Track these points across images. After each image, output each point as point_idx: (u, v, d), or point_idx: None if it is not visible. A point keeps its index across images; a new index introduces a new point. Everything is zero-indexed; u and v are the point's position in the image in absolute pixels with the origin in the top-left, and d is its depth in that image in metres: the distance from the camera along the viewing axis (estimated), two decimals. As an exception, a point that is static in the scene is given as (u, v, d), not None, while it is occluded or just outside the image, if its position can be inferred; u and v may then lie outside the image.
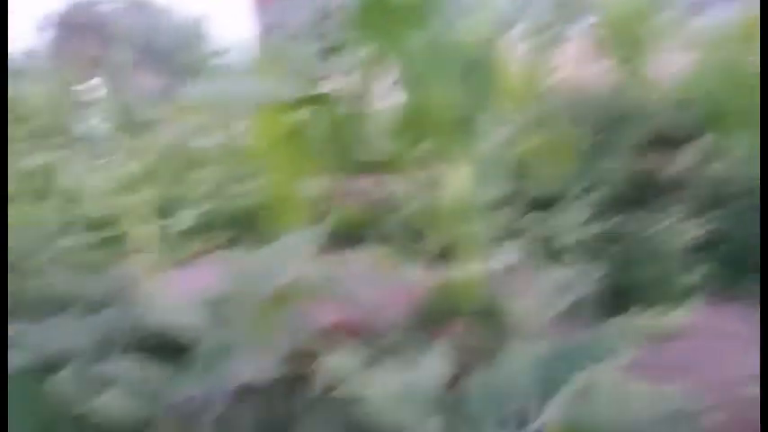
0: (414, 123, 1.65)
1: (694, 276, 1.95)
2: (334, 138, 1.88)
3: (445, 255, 2.05)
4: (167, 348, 1.96)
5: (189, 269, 3.16)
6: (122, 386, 1.39)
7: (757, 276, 2.10)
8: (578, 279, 1.55)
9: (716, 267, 2.09)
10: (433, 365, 1.10)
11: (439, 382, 1.08)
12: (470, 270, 1.58)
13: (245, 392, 1.44)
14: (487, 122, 1.68)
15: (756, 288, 2.02)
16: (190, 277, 3.01)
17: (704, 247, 2.19)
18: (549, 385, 1.03)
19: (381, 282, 1.73)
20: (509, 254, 1.74)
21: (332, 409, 1.51)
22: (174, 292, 1.89)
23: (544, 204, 2.55)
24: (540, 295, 1.49)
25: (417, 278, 1.76)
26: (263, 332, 1.54)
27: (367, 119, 1.95)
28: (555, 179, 2.48)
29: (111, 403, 1.33)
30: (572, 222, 2.07)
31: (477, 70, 1.64)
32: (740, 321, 1.81)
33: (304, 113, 1.88)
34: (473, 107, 1.64)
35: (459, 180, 1.63)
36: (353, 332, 1.61)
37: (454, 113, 1.63)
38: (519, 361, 1.06)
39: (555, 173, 2.58)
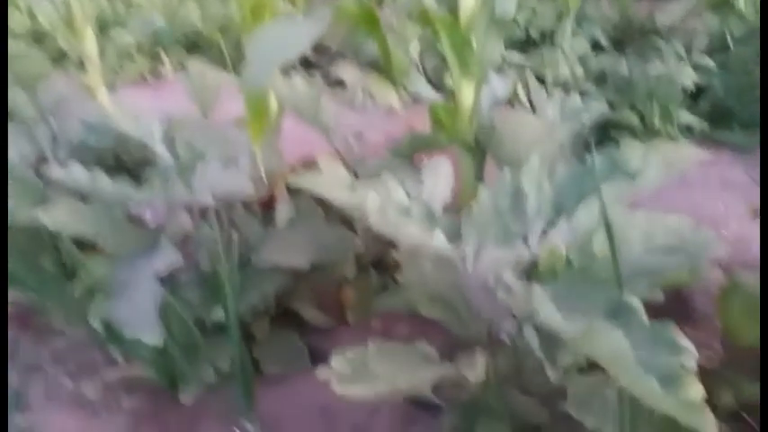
0: None
1: (689, 119, 1.88)
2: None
3: (437, 81, 1.90)
4: (124, 165, 1.79)
5: (142, 87, 2.91)
6: (73, 195, 1.25)
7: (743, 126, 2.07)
8: (576, 111, 1.44)
9: (705, 115, 2.03)
10: (436, 182, 0.99)
11: (442, 198, 0.98)
12: (464, 96, 1.43)
13: (213, 212, 1.32)
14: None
15: (743, 138, 1.99)
16: (144, 95, 2.78)
17: (695, 95, 2.12)
18: (550, 212, 0.95)
19: (367, 106, 1.58)
20: (502, 83, 1.60)
21: (304, 232, 1.42)
22: (130, 108, 1.68)
23: (540, 40, 2.42)
24: (535, 125, 1.37)
25: (406, 104, 1.62)
26: (231, 150, 1.39)
27: None
28: (552, 18, 2.30)
29: (59, 213, 1.19)
30: (568, 57, 1.93)
31: None
32: (728, 167, 1.78)
33: None
34: None
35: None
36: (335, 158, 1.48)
37: None
38: (519, 187, 0.95)
39: (552, 12, 2.39)
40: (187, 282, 1.37)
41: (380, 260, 1.62)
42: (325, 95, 1.47)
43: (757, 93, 2.05)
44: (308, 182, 0.99)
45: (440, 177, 1.01)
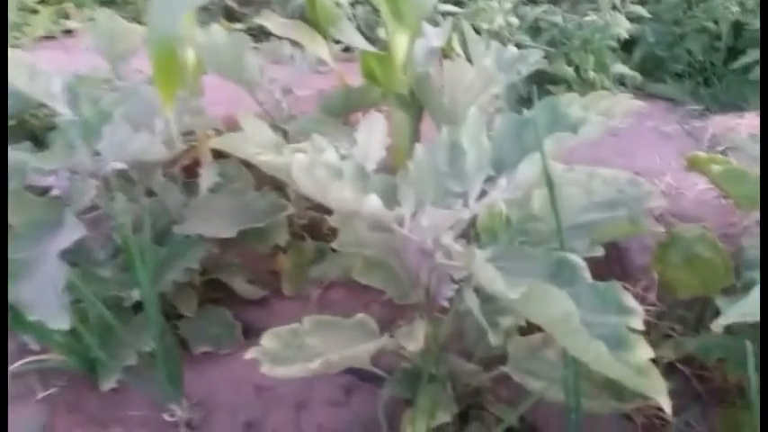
0: None
1: (624, 69, 1.86)
2: None
3: (370, 34, 1.81)
4: (30, 130, 1.63)
5: (51, 46, 2.67)
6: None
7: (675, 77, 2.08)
8: (512, 61, 1.39)
9: (638, 66, 2.03)
10: (369, 140, 0.91)
11: (376, 157, 0.91)
12: (397, 47, 1.35)
13: (122, 177, 1.20)
14: None
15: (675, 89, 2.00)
16: (53, 53, 2.54)
17: (628, 46, 2.11)
18: (490, 169, 0.89)
19: (295, 59, 1.46)
20: (437, 33, 1.52)
21: (230, 198, 1.32)
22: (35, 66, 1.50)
23: None
24: (471, 76, 1.31)
25: (337, 58, 1.51)
26: (144, 110, 1.26)
27: None
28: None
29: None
30: (503, 7, 1.86)
31: None
32: (661, 119, 1.79)
33: None
34: None
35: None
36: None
37: None
38: (457, 143, 0.89)
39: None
40: (103, 258, 1.26)
41: (316, 226, 1.55)
42: (248, 48, 1.35)
43: (687, 43, 2.06)
44: (229, 143, 0.89)
45: (373, 135, 0.94)
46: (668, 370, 1.10)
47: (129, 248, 1.01)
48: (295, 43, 1.50)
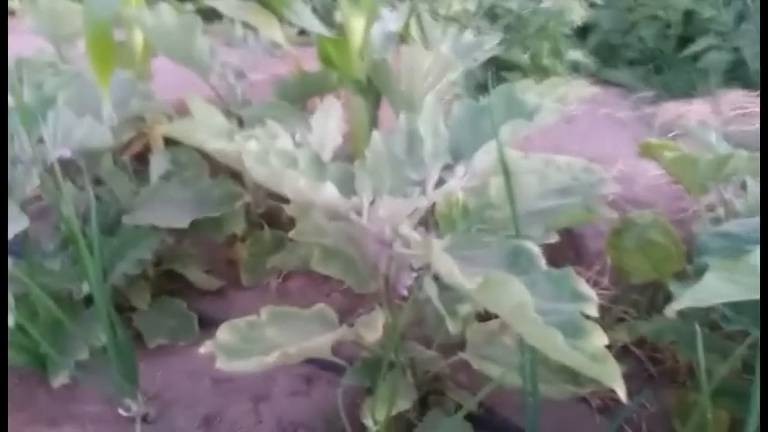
0: None
1: (578, 56, 1.89)
2: None
3: (326, 17, 1.76)
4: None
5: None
6: None
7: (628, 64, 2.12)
8: (470, 46, 1.38)
9: (592, 53, 2.06)
10: (326, 126, 0.89)
11: (332, 144, 0.89)
12: (354, 31, 1.33)
13: (69, 166, 1.15)
14: None
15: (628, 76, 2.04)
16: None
17: (588, 31, 2.14)
18: (447, 157, 0.89)
19: (249, 42, 1.43)
20: (394, 18, 1.50)
21: (183, 187, 1.29)
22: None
23: None
24: (428, 62, 1.30)
25: (293, 42, 1.48)
26: (90, 95, 1.21)
27: None
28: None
29: None
30: (458, -7, 1.85)
31: None
32: (615, 105, 1.82)
33: None
34: None
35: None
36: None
37: None
38: (414, 131, 0.88)
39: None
40: (51, 250, 1.21)
41: (274, 215, 1.52)
42: (199, 30, 1.31)
43: (639, 31, 2.09)
44: (178, 130, 0.86)
45: (330, 121, 0.92)
46: (622, 353, 1.13)
47: (75, 240, 0.97)
48: (248, 26, 1.46)
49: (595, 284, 1.22)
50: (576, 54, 1.88)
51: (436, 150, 0.87)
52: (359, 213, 0.78)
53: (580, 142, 1.55)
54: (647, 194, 1.36)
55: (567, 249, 1.30)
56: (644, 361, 1.14)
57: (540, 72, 1.77)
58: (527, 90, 1.04)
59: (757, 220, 0.89)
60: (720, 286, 0.66)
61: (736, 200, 1.08)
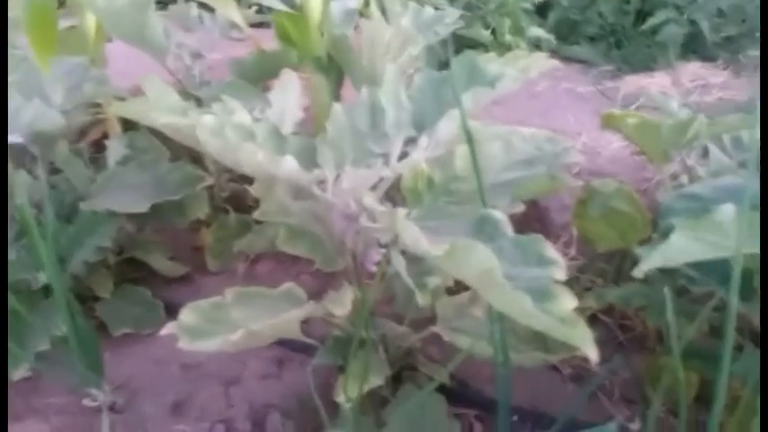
0: None
1: (539, 32, 1.89)
2: None
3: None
4: None
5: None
6: None
7: (588, 40, 2.14)
8: (431, 21, 1.37)
9: (553, 29, 2.07)
10: (285, 100, 0.87)
11: (293, 118, 0.87)
12: (313, 7, 1.30)
13: (22, 152, 1.11)
14: None
15: (589, 52, 2.05)
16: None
17: (549, 7, 2.15)
18: (410, 128, 0.88)
19: (205, 22, 1.39)
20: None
21: (141, 171, 1.25)
22: None
23: None
24: (389, 37, 1.28)
25: (249, 21, 1.44)
26: (39, 78, 1.16)
27: None
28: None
29: None
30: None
31: None
32: (576, 80, 1.83)
33: None
34: None
35: None
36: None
37: None
38: (376, 103, 0.87)
39: None
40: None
41: (239, 198, 1.49)
42: (152, 11, 1.26)
43: (599, 6, 2.11)
44: (131, 109, 0.83)
45: (289, 95, 0.90)
46: (591, 321, 1.14)
47: (29, 228, 0.93)
48: (205, 6, 1.42)
49: (562, 255, 1.23)
50: (537, 30, 1.88)
51: (399, 122, 0.86)
52: (323, 188, 0.77)
53: (543, 117, 1.56)
54: (610, 166, 1.37)
55: (533, 221, 1.31)
56: (613, 328, 1.16)
57: (502, 48, 1.77)
58: (489, 61, 1.03)
59: (721, 180, 0.91)
60: (687, 245, 0.67)
61: (699, 167, 1.10)
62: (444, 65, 1.77)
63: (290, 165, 0.70)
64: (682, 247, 0.67)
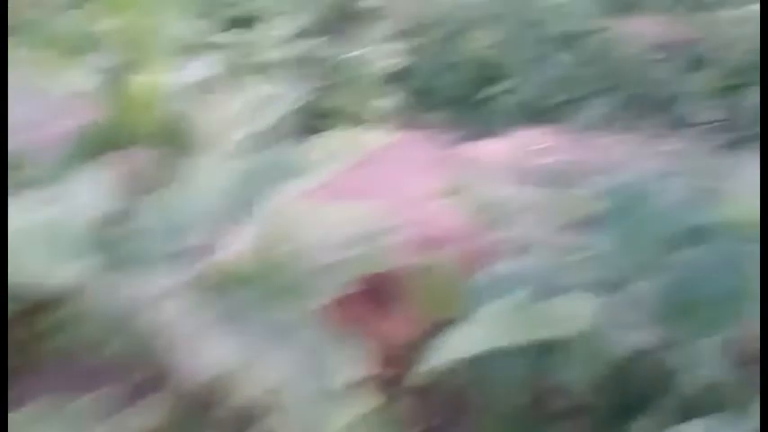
0: None
1: (389, 102, 1.98)
2: None
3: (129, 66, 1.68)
4: None
5: None
6: None
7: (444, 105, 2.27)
8: (279, 96, 1.40)
9: (410, 95, 2.17)
10: (87, 196, 0.85)
11: (95, 215, 0.84)
12: (152, 83, 1.28)
13: None
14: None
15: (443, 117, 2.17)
16: None
17: (397, 78, 2.25)
18: (237, 209, 0.89)
19: (49, 91, 1.32)
20: (201, 67, 1.48)
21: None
22: None
23: (244, 22, 2.32)
24: (235, 111, 1.29)
25: (88, 89, 1.39)
26: None
27: None
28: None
29: None
30: (274, 40, 1.87)
31: None
32: (425, 145, 1.91)
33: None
34: None
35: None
36: None
37: None
38: (203, 183, 0.88)
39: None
40: None
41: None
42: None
43: (447, 77, 2.26)
44: None
45: (94, 188, 0.87)
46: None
47: None
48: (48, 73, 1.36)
49: (399, 323, 1.26)
50: (386, 101, 1.97)
51: (217, 211, 0.87)
52: (114, 294, 0.75)
53: (385, 184, 1.61)
54: (444, 234, 1.44)
55: (366, 299, 1.33)
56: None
57: (353, 118, 1.83)
58: (318, 142, 1.06)
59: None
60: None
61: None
62: (297, 134, 1.81)
63: (67, 275, 0.68)
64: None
